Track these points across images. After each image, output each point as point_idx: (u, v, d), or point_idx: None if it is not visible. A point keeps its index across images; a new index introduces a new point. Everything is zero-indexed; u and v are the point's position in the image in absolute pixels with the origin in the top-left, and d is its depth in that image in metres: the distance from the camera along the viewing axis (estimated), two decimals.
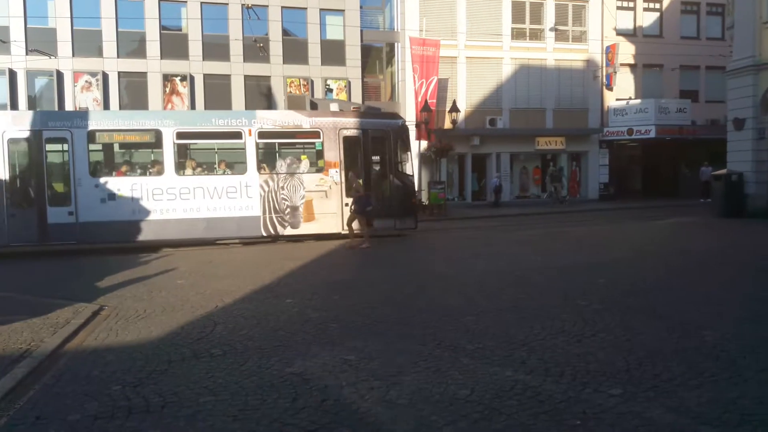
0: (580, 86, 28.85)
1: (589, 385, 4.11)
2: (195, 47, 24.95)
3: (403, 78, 26.48)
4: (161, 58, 24.52)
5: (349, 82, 26.37)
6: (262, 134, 13.80)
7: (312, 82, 26.07)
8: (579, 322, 5.74)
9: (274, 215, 13.80)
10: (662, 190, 28.31)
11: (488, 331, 5.52)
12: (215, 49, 25.20)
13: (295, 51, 26.01)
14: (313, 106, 15.51)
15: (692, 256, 10.61)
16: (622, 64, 28.55)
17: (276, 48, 25.56)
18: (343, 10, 26.39)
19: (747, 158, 17.16)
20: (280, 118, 14.46)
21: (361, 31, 26.79)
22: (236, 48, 25.20)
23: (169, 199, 13.27)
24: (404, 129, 15.43)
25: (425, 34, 26.35)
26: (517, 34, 28.17)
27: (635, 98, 28.16)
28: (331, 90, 26.36)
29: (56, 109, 22.47)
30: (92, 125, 13.06)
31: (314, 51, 26.15)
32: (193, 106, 24.64)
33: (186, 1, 24.90)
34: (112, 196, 13.00)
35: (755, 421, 3.48)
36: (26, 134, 12.81)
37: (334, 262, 11.15)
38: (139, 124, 13.57)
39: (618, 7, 28.97)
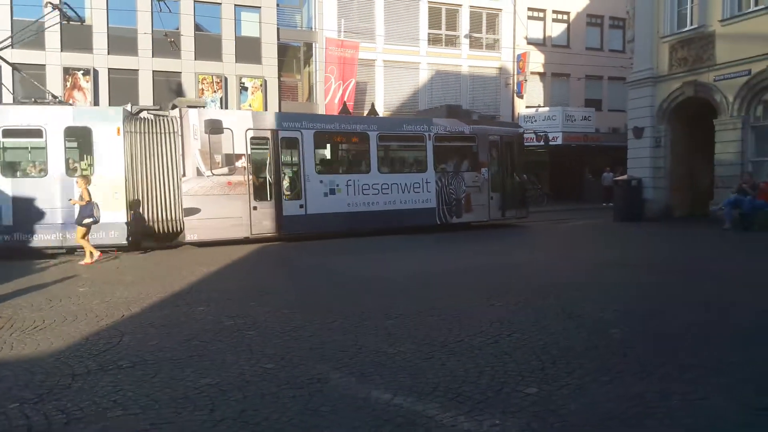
0: (493, 93, 29.87)
1: (507, 384, 4.21)
2: (100, 40, 23.65)
3: (321, 79, 26.33)
4: (62, 50, 23.06)
5: (266, 81, 25.92)
6: (437, 138, 16.07)
7: (226, 79, 25.43)
8: (495, 323, 5.88)
9: (444, 207, 16.15)
10: (568, 195, 29.78)
11: (409, 335, 5.54)
12: (122, 42, 24.01)
13: (208, 47, 25.26)
14: (464, 114, 17.53)
15: (598, 258, 11.18)
16: (532, 73, 29.83)
17: (188, 43, 24.72)
18: (260, 7, 25.94)
19: (645, 164, 18.35)
20: (450, 125, 16.46)
21: (278, 29, 26.42)
22: (145, 42, 24.12)
23: (374, 193, 15.22)
24: (522, 136, 18.54)
25: (343, 35, 26.35)
26: (434, 40, 28.75)
27: (544, 106, 29.47)
28: (246, 88, 25.80)
29: None
30: (317, 127, 14.78)
31: (228, 48, 25.51)
32: (96, 101, 23.34)
33: None
34: (332, 190, 14.73)
35: (659, 414, 3.68)
36: (265, 133, 14.07)
37: (248, 267, 10.88)
38: (351, 127, 15.65)
39: (529, 17, 30.25)
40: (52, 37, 22.86)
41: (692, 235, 14.43)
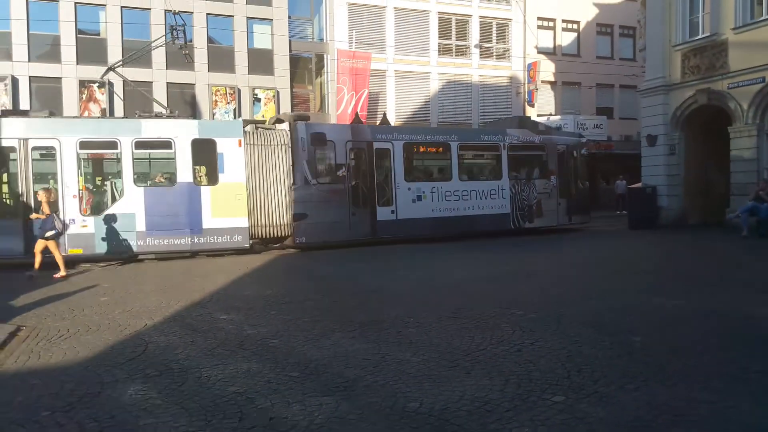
0: (503, 102, 29.90)
1: (533, 392, 4.22)
2: (114, 53, 23.92)
3: (333, 90, 26.50)
4: (77, 63, 23.37)
5: (278, 92, 26.11)
6: (511, 147, 16.99)
7: (239, 90, 25.63)
8: (517, 332, 5.89)
9: (518, 212, 17.10)
10: None
11: (431, 343, 5.56)
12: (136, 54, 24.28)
13: (221, 59, 25.50)
14: (532, 125, 18.34)
15: (612, 265, 11.14)
16: (543, 82, 29.84)
17: (201, 56, 24.94)
18: (272, 20, 26.17)
19: (660, 172, 18.30)
20: (521, 135, 17.37)
21: (290, 41, 26.63)
22: (159, 54, 24.38)
23: (455, 199, 16.20)
24: (584, 144, 19.44)
25: (354, 47, 26.51)
26: (444, 50, 28.86)
27: (555, 114, 29.46)
28: (259, 100, 25.99)
29: None
30: (405, 138, 15.78)
31: (241, 60, 25.73)
32: (111, 113, 23.60)
33: (105, 5, 23.89)
34: (419, 197, 15.79)
35: (688, 422, 3.68)
36: (362, 145, 15.17)
37: (264, 275, 10.94)
38: (435, 138, 16.74)
39: (539, 27, 30.29)
40: (68, 50, 23.19)
41: (710, 243, 14.34)
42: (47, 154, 12.90)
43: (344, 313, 6.98)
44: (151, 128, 13.37)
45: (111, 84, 23.81)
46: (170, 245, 13.31)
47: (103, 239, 12.79)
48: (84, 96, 23.59)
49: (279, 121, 15.30)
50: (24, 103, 22.71)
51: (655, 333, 5.77)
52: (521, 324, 6.18)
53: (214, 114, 24.97)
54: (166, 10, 22.95)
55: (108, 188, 14.07)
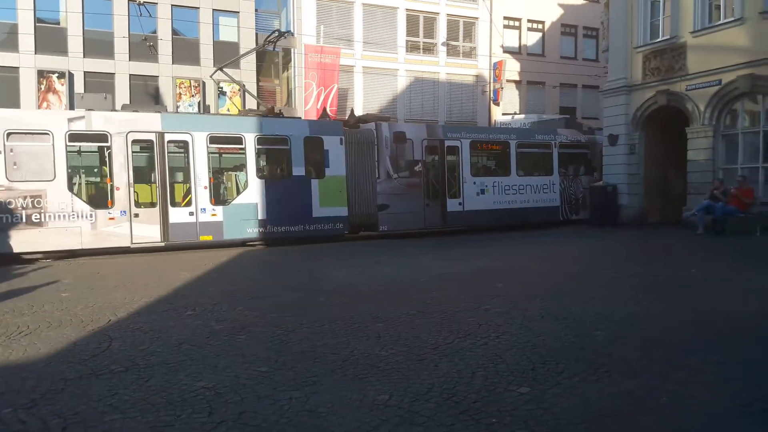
0: (470, 100, 30.19)
1: (500, 384, 4.30)
2: (75, 42, 23.32)
3: (300, 84, 26.34)
4: (36, 53, 22.69)
5: (244, 86, 25.78)
6: (561, 146, 19.03)
7: (204, 84, 25.25)
8: (483, 325, 5.98)
9: (566, 205, 19.04)
10: None
11: (400, 337, 5.61)
12: (98, 45, 23.71)
13: (186, 51, 25.10)
14: (577, 126, 20.78)
15: (579, 263, 11.40)
16: (508, 81, 30.22)
17: (165, 47, 24.50)
18: (238, 12, 25.88)
19: (620, 171, 18.76)
20: (570, 135, 19.49)
21: (257, 34, 26.35)
22: (121, 45, 23.86)
23: (513, 193, 18.00)
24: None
25: (322, 41, 26.39)
26: (412, 47, 28.96)
27: (520, 113, 29.88)
28: (224, 93, 25.66)
29: None
30: (472, 137, 17.45)
31: (206, 52, 25.36)
32: (71, 105, 22.98)
33: None
34: (482, 190, 17.50)
35: (650, 411, 3.80)
36: (435, 142, 16.86)
37: (231, 272, 10.84)
38: (496, 137, 18.36)
39: (505, 26, 30.67)
40: (26, 39, 22.49)
41: (667, 240, 14.78)
42: (180, 148, 14.21)
43: (314, 309, 6.98)
44: (271, 126, 14.98)
45: (72, 75, 23.21)
46: (287, 232, 14.91)
47: (229, 227, 14.09)
48: (43, 86, 22.91)
49: (362, 121, 17.09)
50: None
51: (617, 327, 5.93)
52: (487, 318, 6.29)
53: (178, 107, 24.55)
54: (129, 0, 22.47)
55: (233, 180, 15.30)
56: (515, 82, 30.99)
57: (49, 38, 22.98)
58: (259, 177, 14.69)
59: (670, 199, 18.55)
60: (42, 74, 22.88)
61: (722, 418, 3.71)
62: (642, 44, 18.32)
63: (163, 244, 13.61)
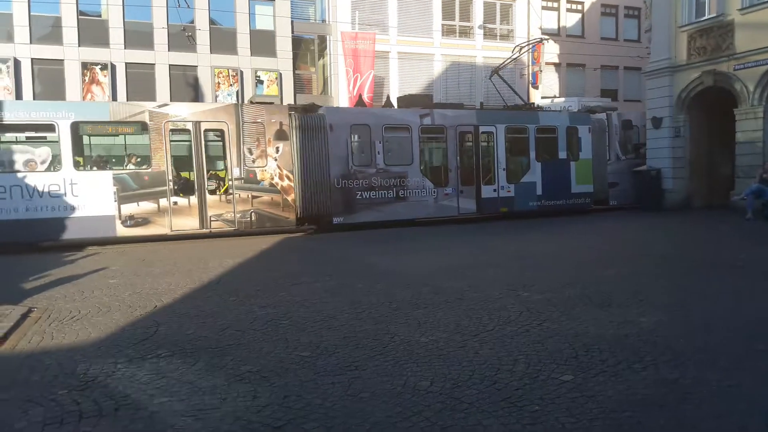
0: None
1: (542, 372, 4.27)
2: (116, 34, 23.81)
3: (336, 71, 26.36)
4: (79, 45, 23.26)
5: (281, 74, 25.99)
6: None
7: (242, 72, 25.52)
8: (524, 312, 5.94)
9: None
10: None
11: (440, 324, 5.62)
12: (138, 36, 24.16)
13: (223, 41, 25.34)
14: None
15: (618, 250, 11.18)
16: (547, 63, 29.59)
17: (203, 37, 24.80)
18: (273, 0, 25.95)
19: (665, 155, 18.24)
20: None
21: (292, 22, 26.44)
22: (161, 36, 24.26)
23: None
24: None
25: (357, 28, 26.32)
26: (447, 31, 28.64)
27: (560, 96, 29.26)
28: (261, 82, 25.88)
29: None
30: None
31: (243, 41, 25.58)
32: (114, 96, 23.54)
33: None
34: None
35: (696, 399, 3.73)
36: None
37: (273, 259, 10.99)
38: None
39: (543, 7, 30.03)
40: (70, 32, 23.07)
41: (715, 225, 14.34)
42: (488, 137, 17.00)
43: (354, 295, 7.03)
44: (545, 118, 17.83)
45: (114, 66, 23.73)
46: (554, 205, 17.59)
47: (519, 201, 17.14)
48: (87, 78, 23.50)
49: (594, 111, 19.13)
50: (27, 86, 22.67)
51: (661, 314, 5.81)
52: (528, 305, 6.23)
53: (216, 96, 24.89)
54: None
55: (520, 163, 17.61)
56: (555, 64, 30.34)
57: (92, 30, 23.50)
58: (537, 160, 17.48)
59: (716, 183, 17.98)
60: (85, 66, 23.44)
61: None
62: (687, 23, 17.69)
63: (478, 215, 16.68)
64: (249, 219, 14.05)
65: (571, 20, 30.97)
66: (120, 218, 13.08)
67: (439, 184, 16.26)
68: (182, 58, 24.60)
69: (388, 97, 24.47)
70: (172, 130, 13.59)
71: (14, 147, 13.09)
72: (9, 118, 12.45)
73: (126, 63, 24.02)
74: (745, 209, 14.57)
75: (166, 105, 14.37)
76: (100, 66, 23.59)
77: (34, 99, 21.76)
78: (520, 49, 20.49)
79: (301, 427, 3.46)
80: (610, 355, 4.59)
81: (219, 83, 25.20)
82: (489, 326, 5.48)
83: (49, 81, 23.09)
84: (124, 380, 4.31)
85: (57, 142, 12.70)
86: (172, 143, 13.63)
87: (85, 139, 13.76)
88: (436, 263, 9.32)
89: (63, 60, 23.17)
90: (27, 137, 13.51)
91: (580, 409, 3.62)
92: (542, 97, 29.18)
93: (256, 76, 25.70)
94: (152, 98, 23.05)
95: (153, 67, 24.41)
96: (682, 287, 7.15)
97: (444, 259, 9.87)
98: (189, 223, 13.58)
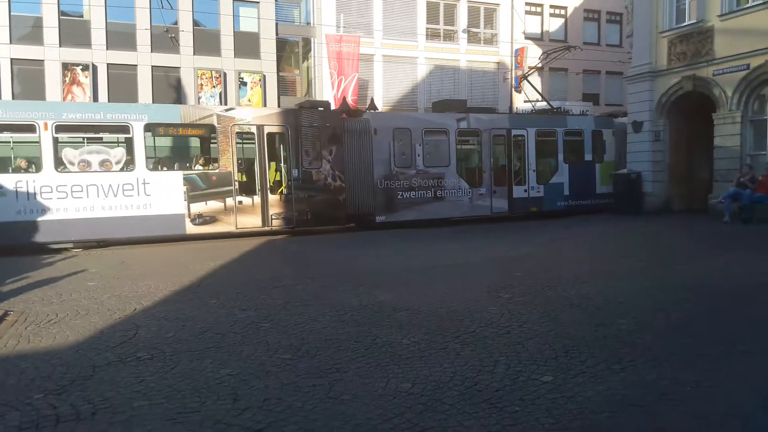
0: (491, 87, 29.88)
1: (522, 373, 4.29)
2: (98, 35, 23.57)
3: (320, 74, 26.32)
4: (60, 46, 22.98)
5: (264, 76, 25.87)
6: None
7: (225, 74, 25.37)
8: (505, 314, 5.96)
9: None
10: None
11: (422, 326, 5.62)
12: (120, 37, 23.93)
13: (207, 42, 25.18)
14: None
15: (600, 251, 11.28)
16: (530, 67, 29.79)
17: (186, 39, 24.62)
18: (258, 2, 25.88)
19: (645, 158, 18.44)
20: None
21: (276, 24, 26.36)
22: (143, 37, 24.05)
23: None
24: None
25: (342, 30, 26.30)
26: (432, 35, 28.74)
27: (542, 101, 29.46)
28: (245, 83, 25.76)
29: None
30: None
31: (227, 43, 25.44)
32: (95, 97, 23.27)
33: None
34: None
35: (675, 400, 3.77)
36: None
37: (253, 262, 10.93)
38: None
39: (526, 12, 30.26)
40: (51, 32, 22.79)
41: (693, 228, 14.52)
42: (520, 140, 17.70)
43: (336, 297, 7.01)
44: (573, 122, 18.71)
45: (95, 67, 23.48)
46: (578, 205, 18.29)
47: (547, 201, 17.93)
48: (67, 79, 23.22)
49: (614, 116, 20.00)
50: (6, 86, 22.34)
51: (641, 316, 5.87)
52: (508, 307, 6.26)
53: (199, 98, 24.72)
54: None
55: (549, 165, 18.24)
56: (537, 68, 30.55)
57: (73, 31, 23.22)
58: (565, 162, 18.21)
59: (695, 186, 18.20)
60: (66, 67, 23.15)
61: (746, 409, 3.66)
62: (667, 29, 17.92)
63: (509, 214, 17.34)
64: (305, 217, 14.66)
65: (554, 25, 31.24)
66: (189, 216, 13.48)
67: (474, 185, 17.00)
68: (165, 59, 24.40)
69: (372, 100, 24.50)
70: (237, 133, 14.09)
71: (91, 147, 13.31)
72: (88, 119, 12.87)
73: (108, 64, 23.77)
74: (723, 212, 14.77)
75: (232, 109, 15.06)
76: (81, 66, 23.32)
77: (12, 99, 21.42)
78: (547, 56, 21.76)
79: (282, 429, 3.45)
80: (590, 356, 4.63)
81: (202, 85, 25.04)
82: (470, 328, 5.50)
83: (28, 81, 22.77)
84: (102, 383, 4.26)
85: (131, 143, 13.03)
86: (237, 145, 14.09)
87: (158, 141, 14.20)
88: (410, 263, 9.33)
89: (43, 60, 22.87)
90: (104, 138, 13.94)
91: (560, 409, 3.64)
92: (525, 101, 29.40)
93: (240, 78, 25.58)
94: (133, 99, 22.86)
95: (135, 68, 24.18)
96: (661, 289, 7.22)
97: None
98: (252, 221, 14.15)
